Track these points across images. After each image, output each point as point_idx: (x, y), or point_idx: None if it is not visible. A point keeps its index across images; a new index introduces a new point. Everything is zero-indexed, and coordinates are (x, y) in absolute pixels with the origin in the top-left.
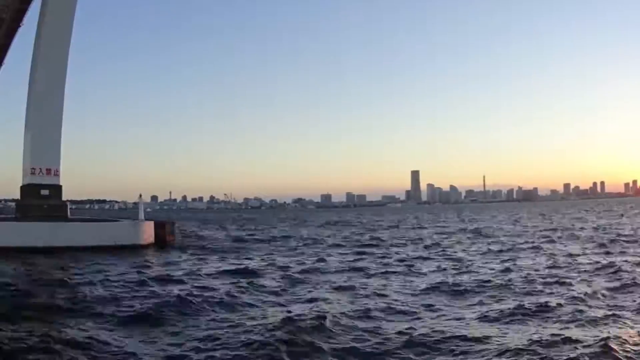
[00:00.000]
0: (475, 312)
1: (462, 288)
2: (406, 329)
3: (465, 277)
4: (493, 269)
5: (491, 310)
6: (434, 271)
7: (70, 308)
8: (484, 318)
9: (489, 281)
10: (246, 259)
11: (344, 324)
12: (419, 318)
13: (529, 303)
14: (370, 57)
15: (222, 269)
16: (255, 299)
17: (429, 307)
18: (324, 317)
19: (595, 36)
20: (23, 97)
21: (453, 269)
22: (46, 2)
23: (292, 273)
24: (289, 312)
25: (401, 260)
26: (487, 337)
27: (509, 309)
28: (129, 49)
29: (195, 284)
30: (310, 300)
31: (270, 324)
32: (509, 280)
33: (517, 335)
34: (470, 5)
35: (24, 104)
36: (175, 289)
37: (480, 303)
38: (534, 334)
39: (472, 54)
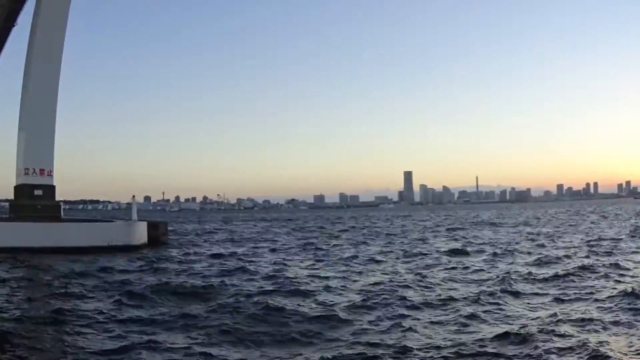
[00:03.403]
0: None
1: None
2: None
3: None
4: None
5: None
6: None
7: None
8: None
9: None
10: None
11: None
12: None
13: None
14: (363, 58)
15: None
16: None
17: None
18: None
19: (588, 37)
20: (17, 97)
21: None
22: (40, 2)
23: None
24: None
25: None
26: None
27: None
28: (122, 48)
29: None
30: None
31: None
32: None
33: None
34: (463, 5)
35: (18, 104)
36: None
37: None
38: None
39: (465, 54)
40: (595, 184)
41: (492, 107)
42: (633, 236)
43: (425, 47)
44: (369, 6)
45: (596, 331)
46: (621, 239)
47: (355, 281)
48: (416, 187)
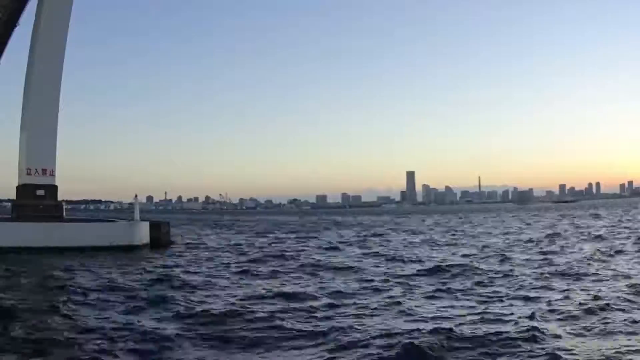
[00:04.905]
0: None
1: None
2: None
3: None
4: None
5: None
6: None
7: None
8: None
9: None
10: None
11: None
12: None
13: None
14: (365, 58)
15: None
16: None
17: None
18: None
19: (591, 36)
20: (19, 97)
21: None
22: (42, 2)
23: None
24: None
25: None
26: None
27: None
28: (125, 47)
29: None
30: None
31: None
32: None
33: None
34: (466, 6)
35: (20, 104)
36: None
37: None
38: None
39: (467, 54)
40: (598, 184)
41: (494, 107)
42: None
43: (427, 47)
44: (371, 6)
45: None
46: None
47: None
48: (419, 187)
